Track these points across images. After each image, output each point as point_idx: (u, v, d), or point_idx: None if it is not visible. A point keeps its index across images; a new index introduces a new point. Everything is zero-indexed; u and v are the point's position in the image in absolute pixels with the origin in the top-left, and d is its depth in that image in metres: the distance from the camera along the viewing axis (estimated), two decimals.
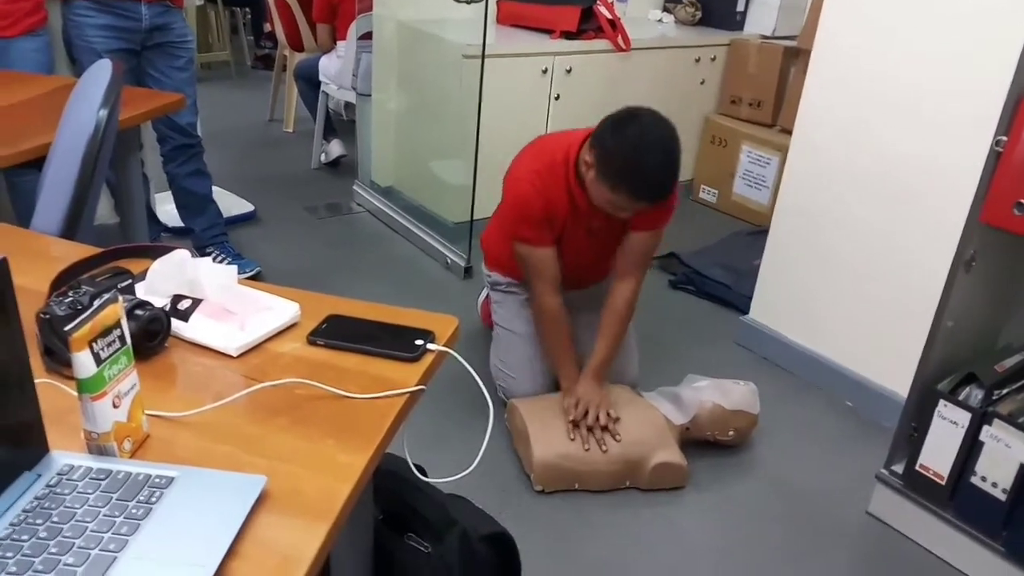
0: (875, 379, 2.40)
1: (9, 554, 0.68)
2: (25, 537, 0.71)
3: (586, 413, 2.03)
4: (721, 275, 3.06)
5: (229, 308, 1.07)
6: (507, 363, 2.28)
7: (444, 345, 1.06)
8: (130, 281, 1.09)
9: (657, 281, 3.12)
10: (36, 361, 0.90)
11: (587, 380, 2.11)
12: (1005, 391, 1.81)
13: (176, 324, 1.04)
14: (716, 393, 2.13)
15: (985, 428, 1.75)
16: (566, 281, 2.21)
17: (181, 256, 1.12)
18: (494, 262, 2.41)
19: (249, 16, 6.93)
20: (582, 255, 2.20)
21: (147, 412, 0.88)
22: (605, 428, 2.02)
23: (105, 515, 0.74)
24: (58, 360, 0.95)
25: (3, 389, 0.77)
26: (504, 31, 3.51)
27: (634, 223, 2.10)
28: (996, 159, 1.65)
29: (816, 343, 2.56)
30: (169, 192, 2.95)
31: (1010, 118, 1.62)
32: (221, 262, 2.74)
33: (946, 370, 1.88)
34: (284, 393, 0.96)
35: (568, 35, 3.40)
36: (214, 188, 2.99)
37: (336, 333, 1.07)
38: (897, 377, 2.25)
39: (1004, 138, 1.63)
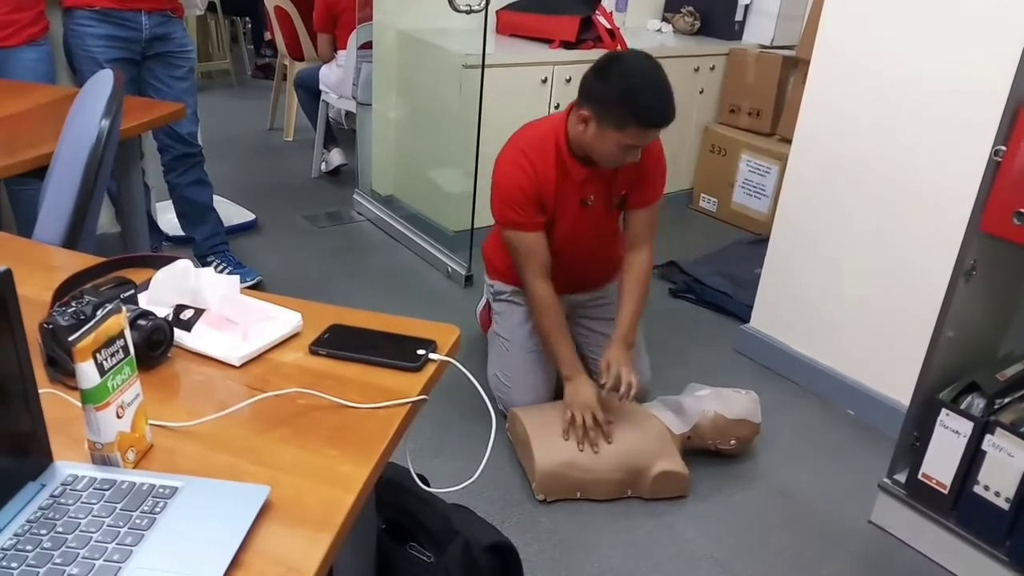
0: (877, 388, 2.40)
1: (14, 564, 0.68)
2: (29, 547, 0.71)
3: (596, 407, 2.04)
4: (721, 283, 3.06)
5: (231, 318, 1.07)
6: (506, 374, 2.27)
7: (446, 355, 1.06)
8: (133, 291, 1.09)
9: (658, 289, 3.12)
10: (39, 371, 0.90)
11: (616, 347, 2.10)
12: (1007, 400, 1.81)
13: (179, 334, 1.05)
14: (717, 402, 2.13)
15: (987, 437, 1.74)
16: (566, 276, 2.21)
17: (184, 266, 1.12)
18: (495, 271, 2.41)
19: (249, 25, 6.96)
20: (578, 236, 2.18)
21: (150, 422, 0.88)
22: (625, 396, 2.03)
23: (109, 525, 0.74)
24: (61, 370, 0.95)
25: (7, 399, 0.77)
26: (504, 41, 3.52)
27: (631, 200, 2.16)
28: (995, 168, 1.65)
29: (817, 351, 2.56)
30: (170, 201, 2.95)
31: (1008, 127, 1.62)
32: (222, 271, 2.74)
33: (947, 379, 1.88)
34: (286, 403, 0.96)
35: (567, 45, 3.41)
36: (215, 197, 3.00)
37: (338, 343, 1.07)
38: (899, 386, 2.25)
39: (1003, 147, 1.63)
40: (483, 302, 2.70)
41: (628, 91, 1.89)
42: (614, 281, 2.37)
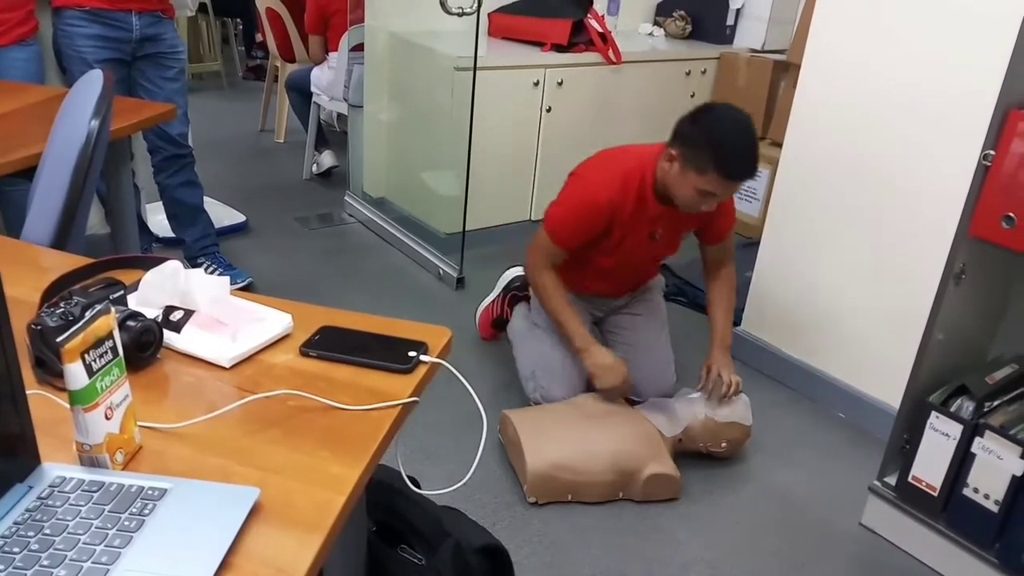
0: (867, 391, 2.41)
1: (1, 567, 0.68)
2: (17, 550, 0.70)
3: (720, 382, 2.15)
4: None
5: (221, 319, 1.07)
6: (545, 366, 2.29)
7: (437, 356, 1.06)
8: (122, 292, 1.08)
9: None
10: (27, 372, 0.89)
11: (716, 350, 2.22)
12: (996, 403, 1.82)
13: (168, 335, 1.04)
14: (708, 405, 2.13)
15: (977, 440, 1.75)
16: (613, 286, 2.33)
17: (173, 267, 1.11)
18: None
19: (240, 27, 6.94)
20: (638, 260, 2.29)
21: (139, 424, 0.87)
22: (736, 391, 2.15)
23: (97, 527, 0.73)
24: (49, 371, 0.94)
25: None
26: (495, 44, 3.52)
27: (705, 238, 2.28)
28: (984, 173, 1.66)
29: (808, 355, 2.57)
30: (160, 202, 2.94)
31: (997, 132, 1.63)
32: (212, 273, 2.73)
33: (937, 382, 1.89)
34: (277, 405, 0.95)
35: (559, 48, 3.41)
36: (205, 198, 2.98)
37: (329, 344, 1.07)
38: (889, 389, 2.26)
39: (992, 152, 1.64)
40: (485, 303, 2.73)
41: (715, 138, 1.94)
42: (651, 280, 2.49)
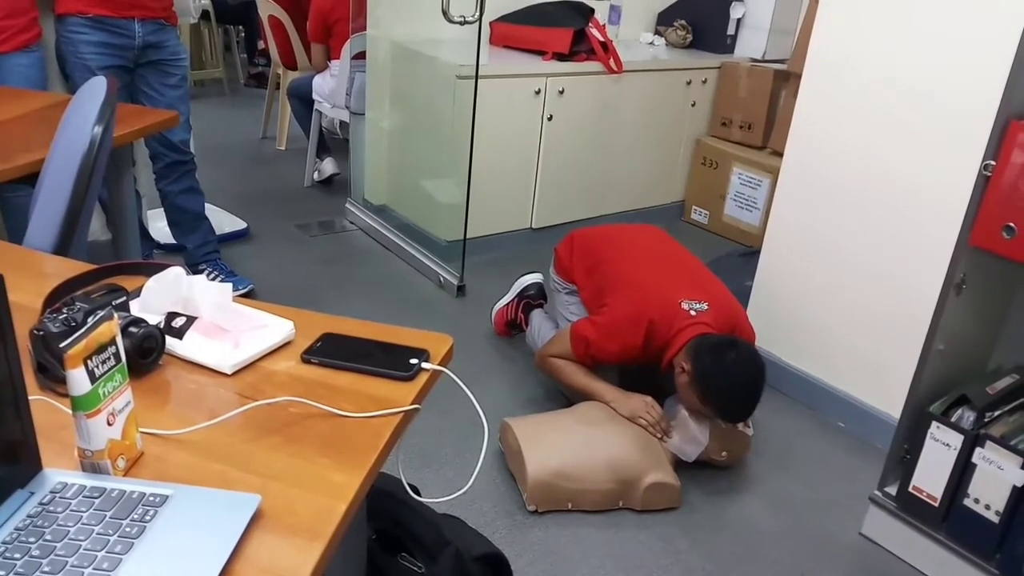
0: (867, 400, 2.41)
1: (1, 573, 0.68)
2: (18, 555, 0.70)
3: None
4: None
5: (223, 326, 1.07)
6: None
7: (438, 364, 1.06)
8: (125, 298, 1.09)
9: None
10: (29, 378, 0.89)
11: None
12: (997, 413, 1.82)
13: (170, 342, 1.04)
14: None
15: (977, 450, 1.75)
16: None
17: (176, 273, 1.11)
18: (568, 272, 2.48)
19: (243, 34, 6.97)
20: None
21: (141, 430, 0.87)
22: None
23: (99, 533, 0.73)
24: (52, 377, 0.94)
25: None
26: (497, 52, 3.53)
27: None
28: (985, 183, 1.67)
29: (808, 364, 2.56)
30: (162, 209, 2.94)
31: (998, 142, 1.64)
32: (214, 279, 2.72)
33: (938, 392, 1.89)
34: (278, 411, 0.95)
35: (560, 57, 3.42)
36: (207, 205, 2.99)
37: (330, 351, 1.07)
38: (889, 398, 2.26)
39: (992, 162, 1.65)
40: (501, 303, 2.77)
41: (719, 384, 2.00)
42: None
